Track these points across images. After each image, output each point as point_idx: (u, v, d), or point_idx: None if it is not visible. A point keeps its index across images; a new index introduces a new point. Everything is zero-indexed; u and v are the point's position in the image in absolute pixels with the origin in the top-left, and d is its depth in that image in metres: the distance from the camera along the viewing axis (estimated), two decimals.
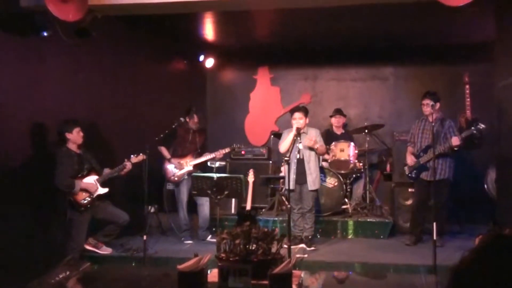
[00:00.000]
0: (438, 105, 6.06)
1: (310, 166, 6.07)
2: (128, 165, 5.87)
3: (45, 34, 5.31)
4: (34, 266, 4.67)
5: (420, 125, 6.32)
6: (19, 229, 5.13)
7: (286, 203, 6.30)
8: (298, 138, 5.96)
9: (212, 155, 6.69)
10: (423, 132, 6.26)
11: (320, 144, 6.09)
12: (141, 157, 5.87)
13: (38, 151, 5.67)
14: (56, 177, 5.45)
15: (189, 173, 6.58)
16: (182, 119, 6.64)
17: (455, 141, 5.88)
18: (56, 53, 5.85)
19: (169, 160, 6.67)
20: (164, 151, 6.70)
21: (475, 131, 5.94)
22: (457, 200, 7.35)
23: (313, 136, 6.06)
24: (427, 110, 6.02)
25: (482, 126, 5.88)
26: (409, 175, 6.39)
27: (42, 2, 4.74)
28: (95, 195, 5.71)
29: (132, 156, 5.90)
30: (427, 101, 6.02)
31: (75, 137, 5.63)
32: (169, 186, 7.70)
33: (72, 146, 5.65)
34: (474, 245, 1.06)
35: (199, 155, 6.75)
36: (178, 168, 6.64)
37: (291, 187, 5.69)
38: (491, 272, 1.00)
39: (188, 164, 6.63)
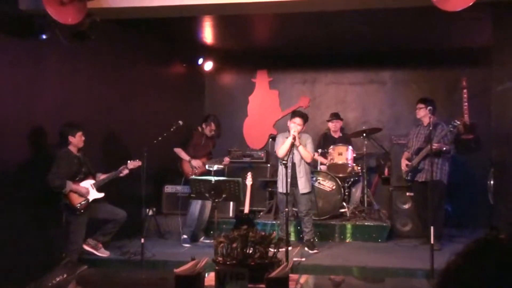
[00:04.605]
0: (430, 109, 6.09)
1: (300, 170, 6.10)
2: (125, 171, 5.90)
3: (44, 37, 5.31)
4: (32, 268, 4.67)
5: (416, 130, 6.58)
6: (17, 231, 5.14)
7: (280, 206, 6.34)
8: (295, 143, 5.98)
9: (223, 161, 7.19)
10: (417, 136, 6.51)
11: (304, 146, 6.06)
12: (137, 162, 5.89)
13: (36, 152, 5.68)
14: (49, 175, 5.45)
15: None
16: (199, 127, 7.14)
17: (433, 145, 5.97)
18: (55, 56, 5.86)
19: (189, 161, 7.00)
20: (182, 152, 7.04)
21: (452, 129, 6.06)
22: (455, 204, 7.38)
23: (304, 140, 6.11)
24: (418, 113, 6.44)
25: (457, 122, 6.06)
26: (406, 177, 6.58)
27: (41, 5, 4.74)
28: (90, 199, 5.72)
29: (129, 161, 5.92)
30: (419, 105, 6.43)
31: (77, 141, 5.70)
32: (168, 189, 7.74)
33: (73, 149, 5.71)
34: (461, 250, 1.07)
35: (211, 158, 7.25)
36: (197, 167, 7.02)
37: (288, 190, 5.70)
38: (476, 278, 1.01)
39: (205, 165, 7.06)
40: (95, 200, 5.77)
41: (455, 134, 7.21)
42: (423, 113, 6.34)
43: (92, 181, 5.79)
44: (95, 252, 5.88)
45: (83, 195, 5.66)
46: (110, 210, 5.92)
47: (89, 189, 5.74)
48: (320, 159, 7.39)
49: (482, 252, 1.03)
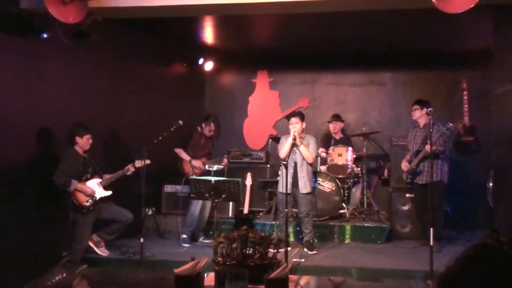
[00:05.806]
0: (430, 111, 6.09)
1: (302, 169, 6.11)
2: (131, 169, 5.94)
3: (45, 36, 5.33)
4: (37, 266, 4.66)
5: (413, 132, 6.60)
6: (24, 230, 5.18)
7: (279, 207, 6.34)
8: (296, 143, 5.98)
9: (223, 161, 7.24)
10: (415, 138, 6.54)
11: (306, 146, 6.06)
12: (145, 162, 5.90)
13: (40, 151, 5.71)
14: (55, 174, 5.50)
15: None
16: (199, 127, 7.17)
17: (427, 148, 5.97)
18: (56, 55, 5.86)
19: (189, 162, 7.05)
20: (183, 152, 7.10)
21: (446, 131, 6.06)
22: (455, 205, 7.39)
23: (308, 140, 6.12)
24: (414, 115, 6.50)
25: (450, 124, 6.06)
26: (406, 180, 6.57)
27: (42, 4, 4.75)
28: (97, 198, 5.75)
29: (136, 160, 5.95)
30: (415, 107, 6.49)
31: (84, 142, 5.77)
32: (167, 189, 7.73)
33: (79, 150, 5.77)
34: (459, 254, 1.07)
35: (211, 158, 7.29)
36: (198, 167, 7.04)
37: (289, 190, 5.71)
38: (475, 281, 1.01)
39: (205, 165, 7.10)
40: (102, 200, 5.82)
41: (455, 136, 7.23)
42: (419, 114, 6.40)
43: (99, 180, 5.85)
44: (95, 248, 5.91)
45: (89, 195, 5.70)
46: (116, 211, 5.96)
47: (96, 187, 5.79)
48: (322, 152, 7.42)
49: (482, 256, 1.04)
